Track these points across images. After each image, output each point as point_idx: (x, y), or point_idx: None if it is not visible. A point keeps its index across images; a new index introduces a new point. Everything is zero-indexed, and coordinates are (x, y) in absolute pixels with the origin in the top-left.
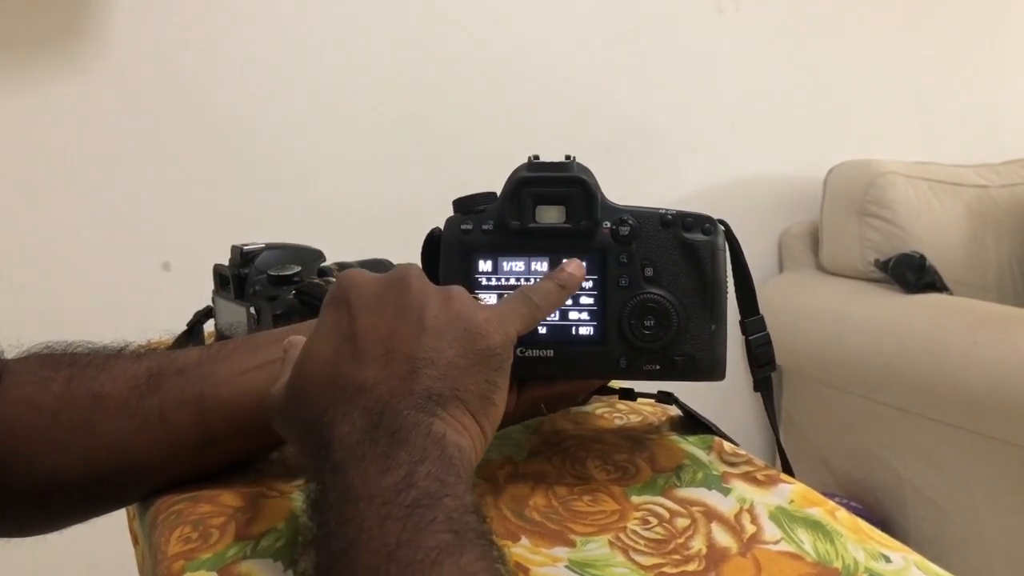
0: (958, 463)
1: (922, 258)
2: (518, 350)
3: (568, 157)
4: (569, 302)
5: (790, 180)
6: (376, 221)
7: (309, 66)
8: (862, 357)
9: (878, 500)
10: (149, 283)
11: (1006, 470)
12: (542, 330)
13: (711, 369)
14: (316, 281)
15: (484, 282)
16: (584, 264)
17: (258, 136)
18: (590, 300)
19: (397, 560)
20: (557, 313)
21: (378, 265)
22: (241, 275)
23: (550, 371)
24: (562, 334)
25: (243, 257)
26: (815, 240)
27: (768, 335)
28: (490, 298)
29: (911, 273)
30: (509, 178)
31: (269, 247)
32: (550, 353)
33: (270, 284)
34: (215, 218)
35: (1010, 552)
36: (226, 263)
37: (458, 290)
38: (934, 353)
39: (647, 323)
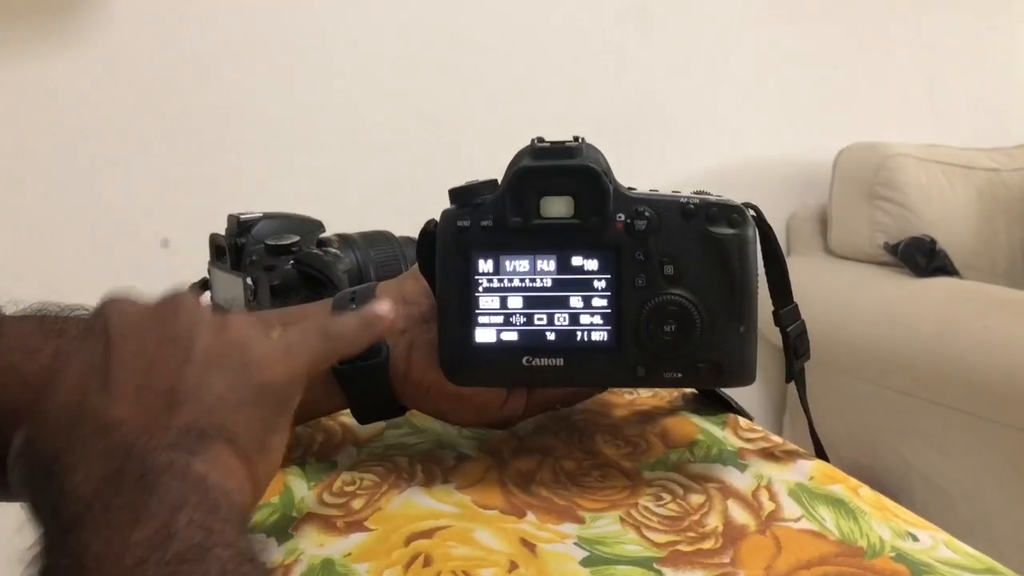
0: (966, 449)
1: (933, 242)
2: (524, 359)
3: (576, 138)
4: (580, 304)
5: (799, 162)
6: (377, 193)
7: (310, 39)
8: (871, 342)
9: (884, 486)
10: (148, 260)
11: (1015, 456)
12: (551, 336)
13: (739, 375)
14: (315, 251)
15: (486, 283)
16: (394, 307)
17: (258, 111)
18: (603, 302)
19: None
20: (567, 317)
21: (379, 239)
22: (238, 245)
23: (560, 381)
24: (573, 340)
25: (240, 226)
26: (824, 223)
27: (804, 323)
28: (493, 301)
29: (921, 257)
30: (510, 166)
31: (267, 216)
32: (560, 362)
33: (268, 254)
34: (215, 195)
35: (1018, 538)
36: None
37: (238, 318)
38: (944, 338)
39: (667, 328)
